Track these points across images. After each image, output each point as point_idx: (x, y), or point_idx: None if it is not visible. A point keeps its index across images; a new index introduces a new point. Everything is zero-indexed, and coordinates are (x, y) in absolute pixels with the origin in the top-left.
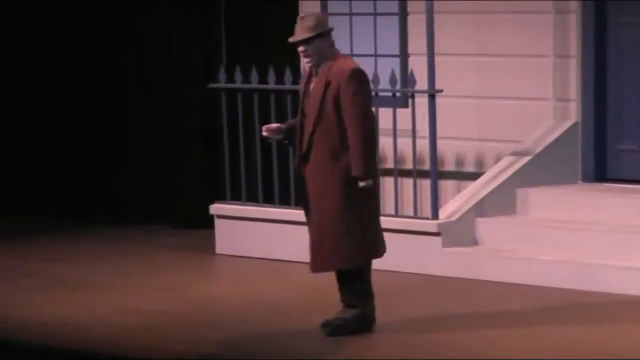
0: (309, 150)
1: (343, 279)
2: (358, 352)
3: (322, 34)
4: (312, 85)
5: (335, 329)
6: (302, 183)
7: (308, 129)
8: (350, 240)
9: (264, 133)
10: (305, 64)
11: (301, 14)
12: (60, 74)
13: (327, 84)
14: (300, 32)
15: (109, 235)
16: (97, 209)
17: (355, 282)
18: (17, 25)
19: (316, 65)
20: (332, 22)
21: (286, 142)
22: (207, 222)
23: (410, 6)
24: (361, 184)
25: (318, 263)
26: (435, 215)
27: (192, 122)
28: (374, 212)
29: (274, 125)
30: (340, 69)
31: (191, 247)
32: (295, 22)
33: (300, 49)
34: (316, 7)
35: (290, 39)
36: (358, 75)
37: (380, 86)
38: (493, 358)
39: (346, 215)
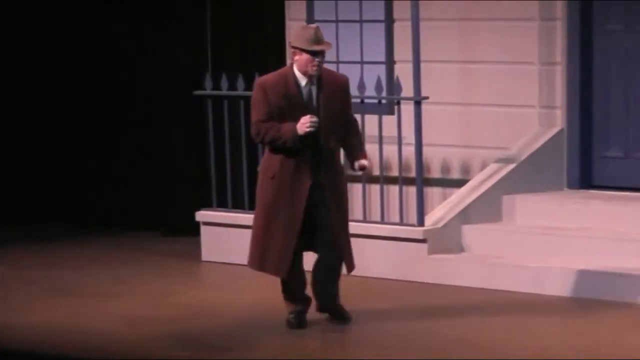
0: (329, 155)
1: (335, 278)
2: (345, 352)
3: None
4: (317, 94)
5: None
6: (317, 191)
7: (325, 134)
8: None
9: (311, 126)
10: (313, 72)
11: (311, 24)
12: (51, 83)
13: (338, 93)
14: (324, 42)
15: (101, 242)
16: (88, 217)
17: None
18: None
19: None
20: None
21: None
22: (195, 229)
23: (397, 13)
24: (366, 162)
25: (351, 262)
26: (421, 222)
27: (178, 130)
28: None
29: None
30: (340, 79)
31: (178, 254)
32: (280, 28)
33: (319, 58)
34: (302, 15)
35: (322, 48)
36: None
37: (366, 93)
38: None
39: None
